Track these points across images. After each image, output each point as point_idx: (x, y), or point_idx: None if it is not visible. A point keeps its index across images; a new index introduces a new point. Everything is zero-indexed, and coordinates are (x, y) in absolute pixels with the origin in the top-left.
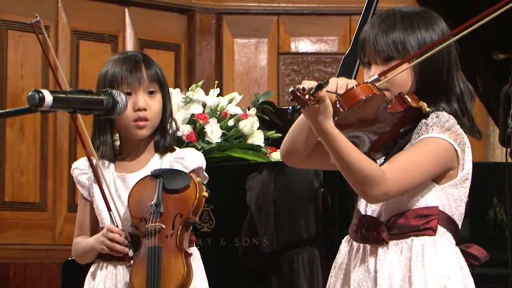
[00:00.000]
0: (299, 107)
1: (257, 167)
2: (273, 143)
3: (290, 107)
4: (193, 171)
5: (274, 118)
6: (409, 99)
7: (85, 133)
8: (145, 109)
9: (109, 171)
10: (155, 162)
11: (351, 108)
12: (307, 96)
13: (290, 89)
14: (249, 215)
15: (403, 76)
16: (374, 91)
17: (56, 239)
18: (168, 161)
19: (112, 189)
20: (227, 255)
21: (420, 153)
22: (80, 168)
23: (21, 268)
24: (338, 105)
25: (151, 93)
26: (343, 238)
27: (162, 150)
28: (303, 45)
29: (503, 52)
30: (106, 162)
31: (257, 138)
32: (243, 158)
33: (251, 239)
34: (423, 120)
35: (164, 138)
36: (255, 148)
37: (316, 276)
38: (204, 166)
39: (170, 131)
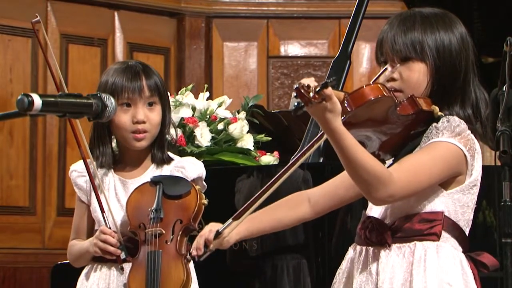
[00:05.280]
0: (302, 104)
1: (247, 170)
2: (262, 147)
3: (295, 103)
4: (193, 180)
5: (264, 122)
6: (420, 102)
7: (82, 134)
8: (144, 122)
9: (109, 174)
10: (154, 170)
11: (358, 107)
12: (311, 94)
13: (295, 86)
14: None
15: (419, 78)
16: (384, 92)
17: (45, 243)
18: (169, 169)
19: (112, 192)
20: (216, 258)
21: (429, 157)
22: (79, 171)
23: (10, 272)
24: (346, 104)
25: (150, 104)
26: (333, 247)
27: (158, 162)
28: (293, 48)
29: (492, 56)
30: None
31: (247, 142)
32: (232, 162)
33: (240, 242)
34: (434, 124)
35: (162, 151)
36: (245, 152)
37: (303, 283)
38: (204, 176)
39: (169, 138)
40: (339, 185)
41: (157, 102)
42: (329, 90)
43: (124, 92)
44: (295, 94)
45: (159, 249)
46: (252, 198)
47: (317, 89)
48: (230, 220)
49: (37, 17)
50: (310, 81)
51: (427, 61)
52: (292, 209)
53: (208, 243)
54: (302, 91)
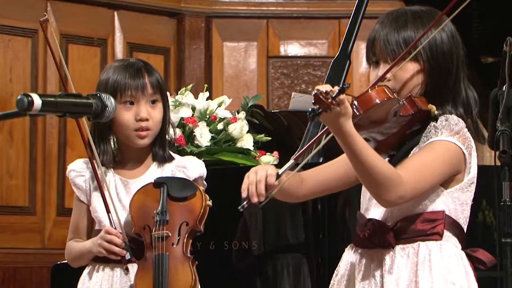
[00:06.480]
0: (319, 110)
1: (247, 170)
2: (262, 147)
3: (310, 109)
4: (194, 179)
5: (264, 122)
6: (419, 102)
7: (88, 133)
8: (147, 119)
9: (109, 174)
10: (156, 169)
11: (366, 111)
12: (329, 100)
13: (313, 93)
14: (239, 219)
15: (412, 77)
16: (389, 94)
17: (45, 243)
18: (170, 169)
19: (113, 192)
20: (216, 258)
21: (431, 156)
22: (77, 170)
23: (10, 272)
24: (354, 109)
25: (153, 102)
26: (332, 245)
27: (160, 160)
28: (293, 48)
29: (491, 56)
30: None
31: (247, 142)
32: (232, 162)
33: (240, 242)
34: (432, 123)
35: (163, 149)
36: (245, 152)
37: (303, 283)
38: (204, 175)
39: (168, 138)
40: (330, 175)
41: (159, 99)
42: (343, 95)
43: (127, 89)
44: (313, 101)
45: (166, 252)
46: (314, 138)
47: (334, 95)
48: (292, 160)
49: (45, 15)
50: (326, 87)
51: (420, 61)
52: (300, 185)
53: (269, 188)
54: (321, 97)
